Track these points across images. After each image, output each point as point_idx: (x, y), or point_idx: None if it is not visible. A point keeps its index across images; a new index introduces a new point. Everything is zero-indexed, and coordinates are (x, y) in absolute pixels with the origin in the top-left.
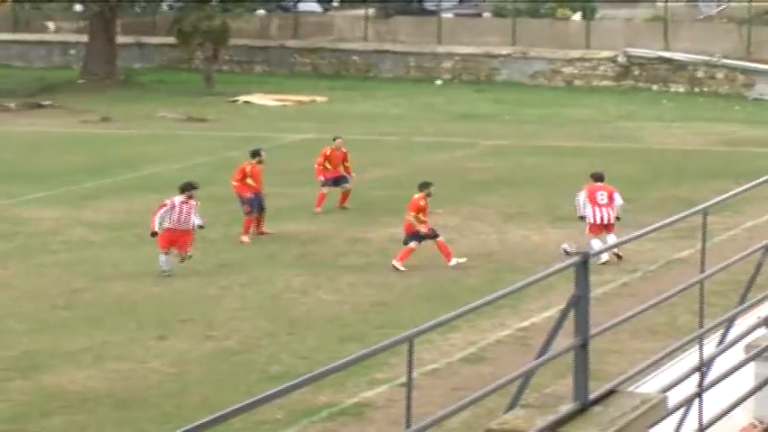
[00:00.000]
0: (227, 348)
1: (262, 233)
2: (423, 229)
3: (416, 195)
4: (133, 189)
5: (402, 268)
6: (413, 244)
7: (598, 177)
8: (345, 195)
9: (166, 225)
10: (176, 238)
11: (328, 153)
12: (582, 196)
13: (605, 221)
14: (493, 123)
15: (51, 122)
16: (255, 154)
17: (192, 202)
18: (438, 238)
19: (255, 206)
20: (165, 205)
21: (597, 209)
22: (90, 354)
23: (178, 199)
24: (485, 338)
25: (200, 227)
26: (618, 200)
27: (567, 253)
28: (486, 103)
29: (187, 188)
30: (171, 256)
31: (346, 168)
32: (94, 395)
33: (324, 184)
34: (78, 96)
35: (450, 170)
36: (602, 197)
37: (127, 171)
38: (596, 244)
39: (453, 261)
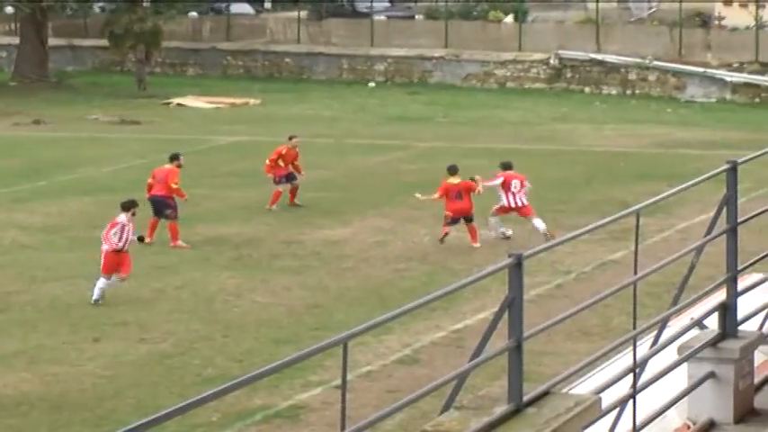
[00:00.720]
0: (162, 351)
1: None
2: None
3: (455, 179)
4: (66, 192)
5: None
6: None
7: (507, 166)
8: (294, 191)
9: (119, 245)
10: (121, 261)
11: (284, 152)
12: (497, 182)
13: (516, 206)
14: (426, 125)
15: None
16: (175, 158)
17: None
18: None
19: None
20: (116, 224)
21: (510, 196)
22: (24, 357)
23: (125, 217)
24: (419, 340)
25: None
26: (527, 185)
27: (505, 237)
28: (419, 105)
29: (130, 206)
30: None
31: (296, 167)
32: (28, 399)
33: (279, 182)
34: (10, 99)
35: (383, 172)
36: (515, 186)
37: (60, 174)
38: (493, 220)
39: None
